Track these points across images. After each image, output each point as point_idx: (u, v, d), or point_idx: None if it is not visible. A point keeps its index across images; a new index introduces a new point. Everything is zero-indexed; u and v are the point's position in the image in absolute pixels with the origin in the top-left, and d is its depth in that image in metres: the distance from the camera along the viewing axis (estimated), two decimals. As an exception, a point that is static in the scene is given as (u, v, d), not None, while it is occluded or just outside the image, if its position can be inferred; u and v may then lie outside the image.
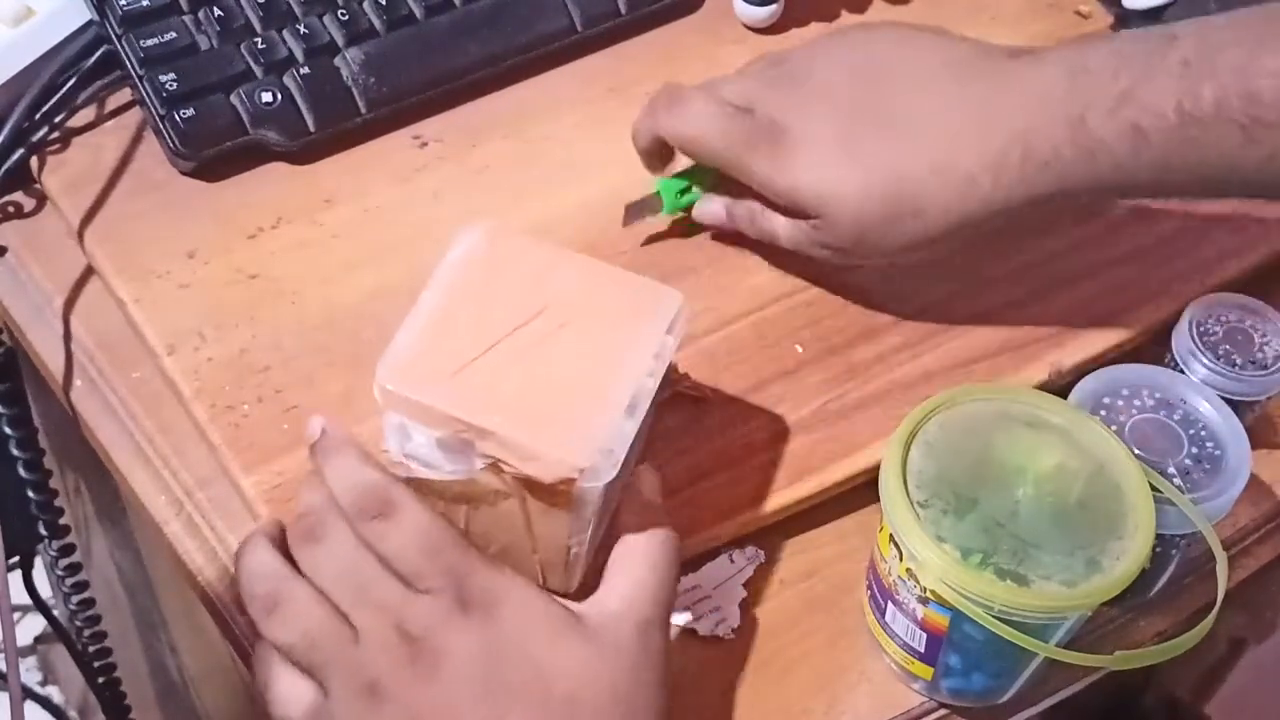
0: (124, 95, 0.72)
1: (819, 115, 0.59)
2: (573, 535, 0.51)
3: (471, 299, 0.51)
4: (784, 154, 0.59)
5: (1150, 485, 0.53)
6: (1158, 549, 0.56)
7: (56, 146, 0.70)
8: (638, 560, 0.49)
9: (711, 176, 0.65)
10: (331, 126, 0.70)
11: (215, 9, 0.69)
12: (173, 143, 0.67)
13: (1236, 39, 0.51)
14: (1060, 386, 0.57)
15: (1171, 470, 0.56)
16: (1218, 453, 0.56)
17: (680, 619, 0.57)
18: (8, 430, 0.71)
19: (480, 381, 0.48)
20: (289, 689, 0.46)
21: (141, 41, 0.68)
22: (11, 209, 0.69)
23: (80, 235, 0.66)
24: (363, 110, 0.70)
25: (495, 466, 0.48)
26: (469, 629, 0.45)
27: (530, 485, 0.48)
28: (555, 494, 0.48)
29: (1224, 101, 0.51)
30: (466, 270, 0.52)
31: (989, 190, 0.55)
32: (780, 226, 0.62)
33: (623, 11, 0.76)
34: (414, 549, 0.45)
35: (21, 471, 0.73)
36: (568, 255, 0.53)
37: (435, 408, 0.48)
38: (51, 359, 0.64)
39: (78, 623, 0.84)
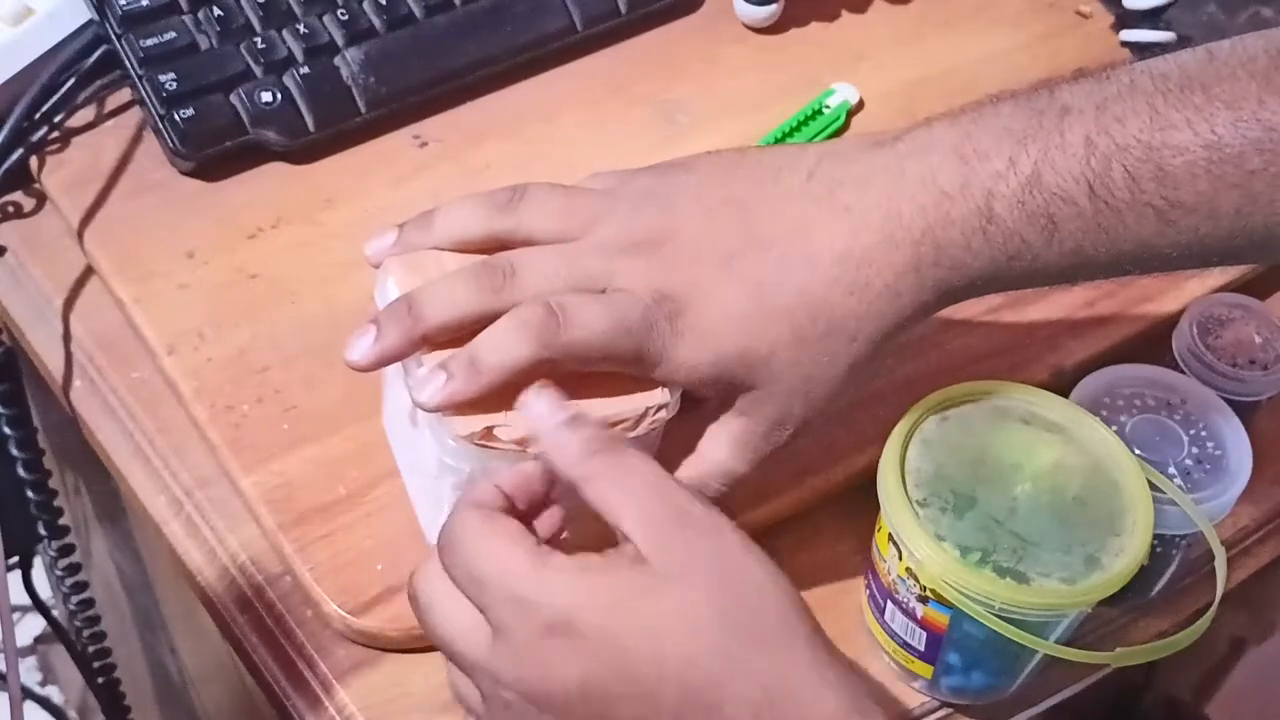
0: (124, 95, 0.72)
1: (701, 271, 0.50)
2: None
3: None
4: (689, 326, 0.49)
5: (1151, 485, 0.53)
6: (1158, 549, 0.56)
7: (56, 146, 0.70)
8: None
9: None
10: (331, 126, 0.70)
11: (215, 9, 0.69)
12: (172, 142, 0.67)
13: (1134, 109, 0.48)
14: (1060, 386, 0.57)
15: (1172, 470, 0.56)
16: (1218, 453, 0.56)
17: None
18: (8, 430, 0.71)
19: (520, 390, 0.48)
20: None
21: (141, 41, 0.68)
22: (11, 209, 0.69)
23: (80, 235, 0.66)
24: (363, 110, 0.70)
25: None
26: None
27: None
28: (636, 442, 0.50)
29: (1136, 185, 0.47)
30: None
31: (910, 299, 0.50)
32: (723, 448, 0.52)
33: (623, 11, 0.76)
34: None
35: (21, 471, 0.73)
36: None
37: (520, 424, 0.48)
38: (51, 359, 0.64)
39: (77, 623, 0.84)
